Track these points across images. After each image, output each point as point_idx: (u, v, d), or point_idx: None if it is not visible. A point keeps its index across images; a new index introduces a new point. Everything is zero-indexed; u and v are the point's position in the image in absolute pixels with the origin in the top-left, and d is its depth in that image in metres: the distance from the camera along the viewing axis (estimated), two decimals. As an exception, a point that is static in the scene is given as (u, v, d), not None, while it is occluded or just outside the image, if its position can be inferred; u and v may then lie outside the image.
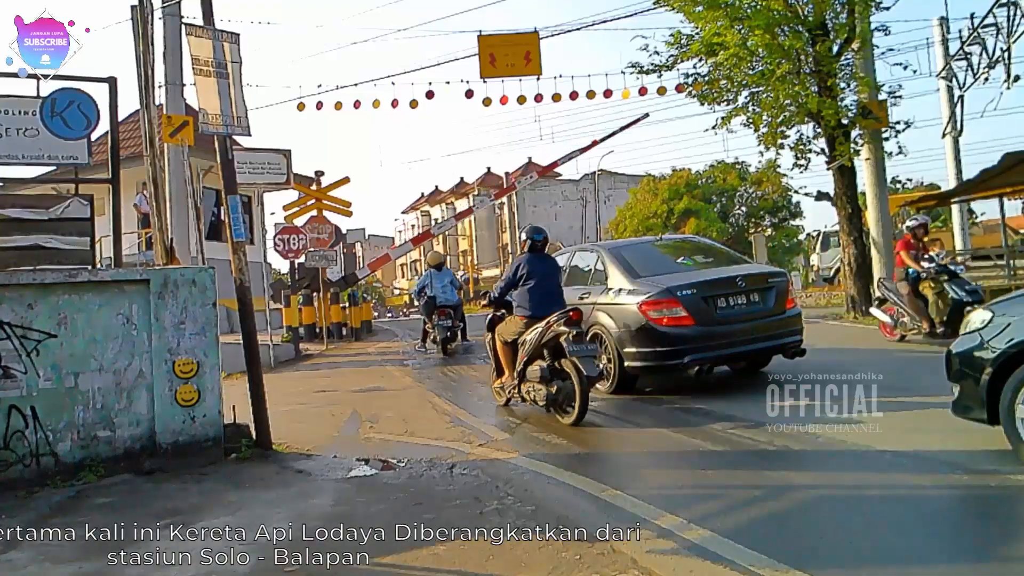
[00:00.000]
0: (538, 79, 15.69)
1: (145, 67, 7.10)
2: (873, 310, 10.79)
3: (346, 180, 17.90)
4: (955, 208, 19.54)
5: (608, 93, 16.20)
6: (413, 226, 65.82)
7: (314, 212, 16.92)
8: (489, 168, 58.72)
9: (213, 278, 5.85)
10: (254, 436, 6.04)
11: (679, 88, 15.37)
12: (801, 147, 14.25)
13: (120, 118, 6.88)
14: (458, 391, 8.61)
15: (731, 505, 4.13)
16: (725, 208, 38.35)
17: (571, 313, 6.29)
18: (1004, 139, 65.22)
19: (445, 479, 4.94)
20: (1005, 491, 4.07)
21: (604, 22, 23.02)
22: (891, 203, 16.00)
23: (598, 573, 3.28)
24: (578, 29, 18.78)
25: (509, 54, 15.00)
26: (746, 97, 14.20)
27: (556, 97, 16.34)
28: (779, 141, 14.06)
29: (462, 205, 54.87)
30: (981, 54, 15.66)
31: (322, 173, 18.13)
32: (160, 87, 11.23)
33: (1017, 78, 14.97)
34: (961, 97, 17.11)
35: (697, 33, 13.74)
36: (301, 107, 16.77)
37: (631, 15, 21.94)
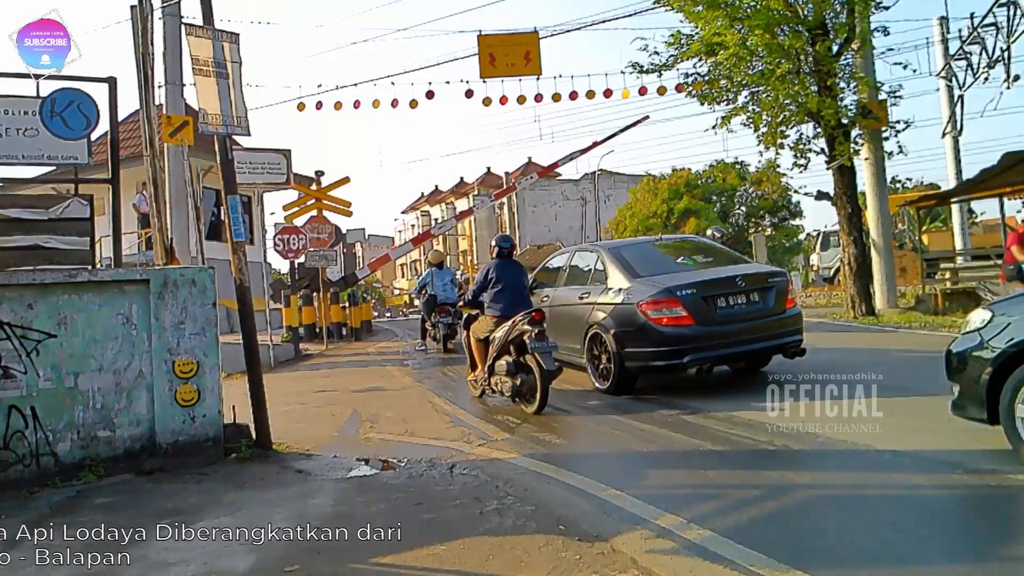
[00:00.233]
0: (538, 79, 15.78)
1: (145, 67, 7.12)
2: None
3: (346, 180, 17.90)
4: (955, 208, 19.53)
5: (608, 93, 16.25)
6: (413, 226, 65.73)
7: (314, 212, 16.91)
8: (489, 168, 58.62)
9: (213, 278, 5.86)
10: (254, 436, 6.04)
11: (679, 88, 15.38)
12: (801, 147, 14.21)
13: (120, 118, 6.87)
14: (458, 391, 8.60)
15: (731, 505, 4.13)
16: (725, 208, 38.29)
17: (534, 314, 6.86)
18: (1004, 139, 65.03)
19: (445, 479, 4.94)
20: (1005, 491, 4.07)
21: (604, 22, 23.10)
22: (891, 203, 16.02)
23: (598, 573, 3.28)
24: (578, 29, 18.85)
25: (509, 54, 15.03)
26: (746, 97, 14.17)
27: (556, 97, 16.40)
28: (779, 141, 14.02)
29: (462, 205, 54.81)
30: (981, 54, 15.66)
31: (322, 173, 18.13)
32: (160, 87, 11.25)
33: (1017, 78, 14.99)
34: (961, 97, 17.11)
35: (697, 33, 13.72)
36: (301, 107, 16.85)
37: (631, 15, 22.07)
